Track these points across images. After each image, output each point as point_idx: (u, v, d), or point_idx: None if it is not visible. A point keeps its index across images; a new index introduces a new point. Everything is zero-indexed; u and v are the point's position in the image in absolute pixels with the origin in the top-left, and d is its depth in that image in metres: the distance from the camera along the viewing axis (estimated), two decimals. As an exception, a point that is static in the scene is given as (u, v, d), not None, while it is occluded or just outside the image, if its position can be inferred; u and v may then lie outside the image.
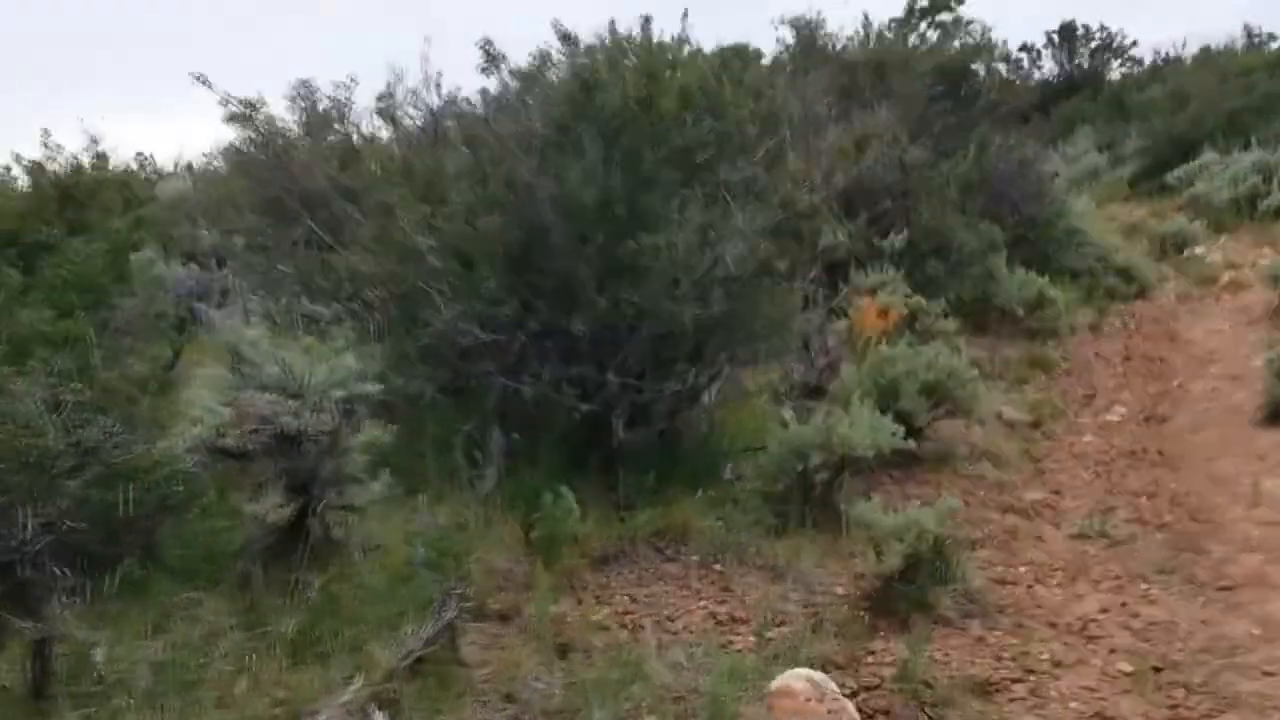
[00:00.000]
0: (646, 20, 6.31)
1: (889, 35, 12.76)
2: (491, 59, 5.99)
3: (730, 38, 11.62)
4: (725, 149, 5.57)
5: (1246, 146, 15.41)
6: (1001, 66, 12.01)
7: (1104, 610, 4.47)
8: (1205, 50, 24.43)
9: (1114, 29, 26.78)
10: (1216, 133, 16.45)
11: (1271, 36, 25.14)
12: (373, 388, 4.73)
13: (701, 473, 5.60)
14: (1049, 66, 26.96)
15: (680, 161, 5.64)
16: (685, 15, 6.28)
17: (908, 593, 4.32)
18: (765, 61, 11.13)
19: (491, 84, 6.50)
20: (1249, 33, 24.87)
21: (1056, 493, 6.12)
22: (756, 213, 5.70)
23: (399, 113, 7.39)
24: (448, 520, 4.81)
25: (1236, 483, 6.11)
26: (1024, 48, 26.84)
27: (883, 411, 5.61)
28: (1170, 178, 15.84)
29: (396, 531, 4.57)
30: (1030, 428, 7.25)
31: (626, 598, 4.53)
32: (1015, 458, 6.64)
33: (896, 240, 8.57)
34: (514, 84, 6.19)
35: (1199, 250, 12.46)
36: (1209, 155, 15.55)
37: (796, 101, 7.25)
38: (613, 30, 6.17)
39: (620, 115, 5.59)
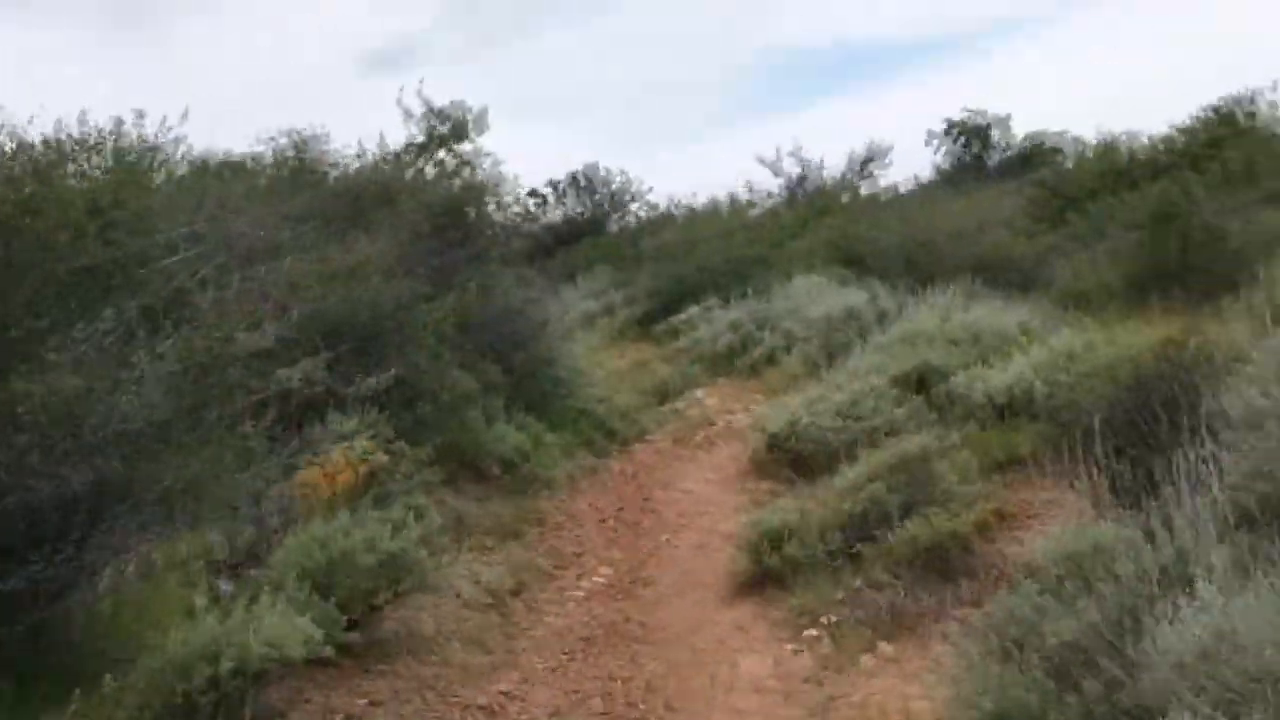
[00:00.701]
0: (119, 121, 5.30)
1: (404, 160, 12.16)
2: None
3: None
4: (130, 273, 4.48)
5: (744, 295, 16.11)
6: (512, 202, 11.63)
7: None
8: (712, 202, 26.10)
9: (632, 174, 28.05)
10: (718, 280, 17.13)
11: (769, 194, 27.31)
12: None
13: (85, 679, 4.35)
14: (571, 205, 27.69)
15: (76, 285, 4.49)
16: (164, 120, 5.34)
17: None
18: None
19: None
20: (750, 189, 26.84)
21: (527, 681, 5.39)
22: (177, 349, 4.64)
23: None
24: None
25: (717, 660, 5.68)
26: (550, 184, 27.46)
27: (323, 595, 4.65)
28: (676, 320, 16.25)
29: None
30: (512, 596, 6.56)
31: None
32: (489, 636, 5.88)
33: (381, 380, 7.71)
34: None
35: (698, 394, 12.61)
36: (710, 301, 16.11)
37: (252, 223, 6.31)
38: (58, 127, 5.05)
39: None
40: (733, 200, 25.94)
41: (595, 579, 6.97)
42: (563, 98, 52.94)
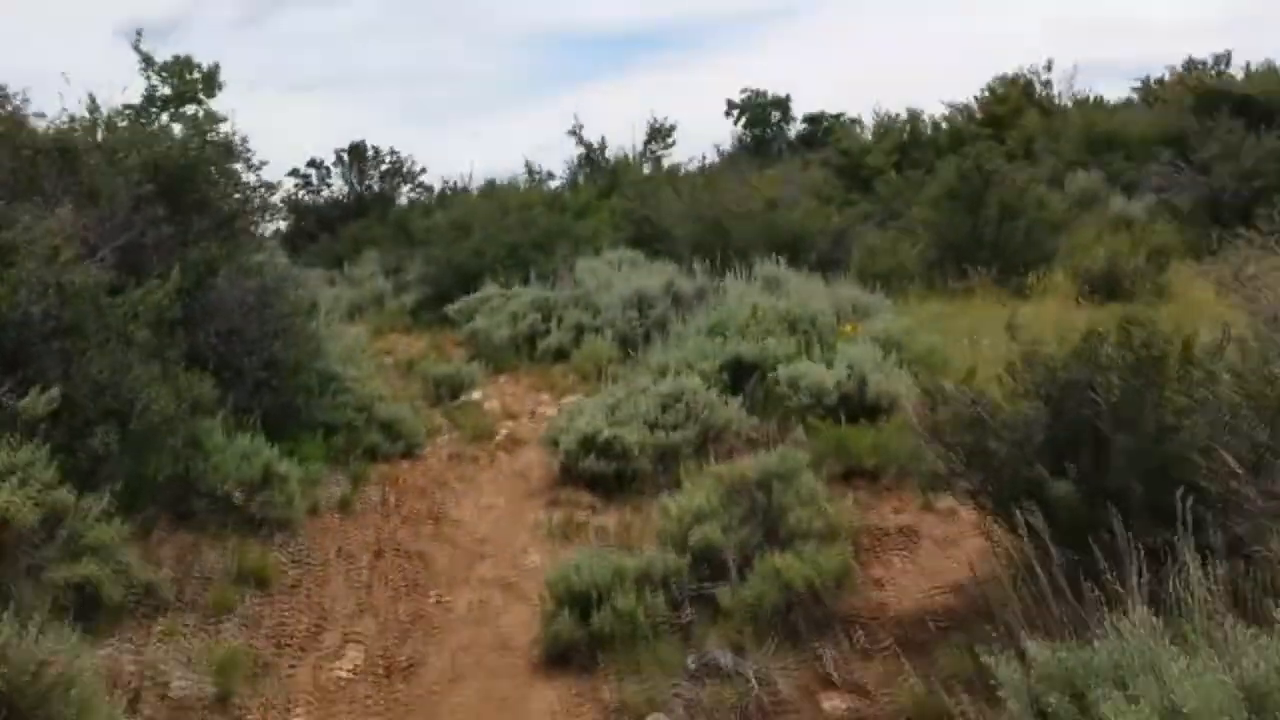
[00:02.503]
0: None
1: (121, 123, 9.76)
2: None
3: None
4: None
5: (526, 281, 14.28)
6: (257, 168, 9.37)
7: None
8: (490, 183, 24.13)
9: (404, 154, 25.78)
10: (498, 265, 15.26)
11: (550, 175, 25.54)
12: None
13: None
14: (339, 185, 25.23)
15: None
16: None
17: None
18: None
19: None
20: (530, 170, 25.02)
21: None
22: None
23: None
24: None
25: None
26: (312, 163, 24.93)
27: None
28: (451, 310, 14.26)
29: None
30: (217, 706, 4.57)
31: None
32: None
33: (42, 401, 5.55)
34: None
35: (476, 395, 10.71)
36: (490, 288, 14.20)
37: None
38: None
39: None
40: (513, 181, 24.11)
41: (338, 668, 5.04)
42: (336, 76, 49.99)
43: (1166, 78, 24.28)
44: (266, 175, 10.79)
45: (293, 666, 5.04)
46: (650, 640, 4.78)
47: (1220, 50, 23.37)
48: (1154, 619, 3.63)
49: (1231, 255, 7.87)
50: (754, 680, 4.43)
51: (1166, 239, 14.22)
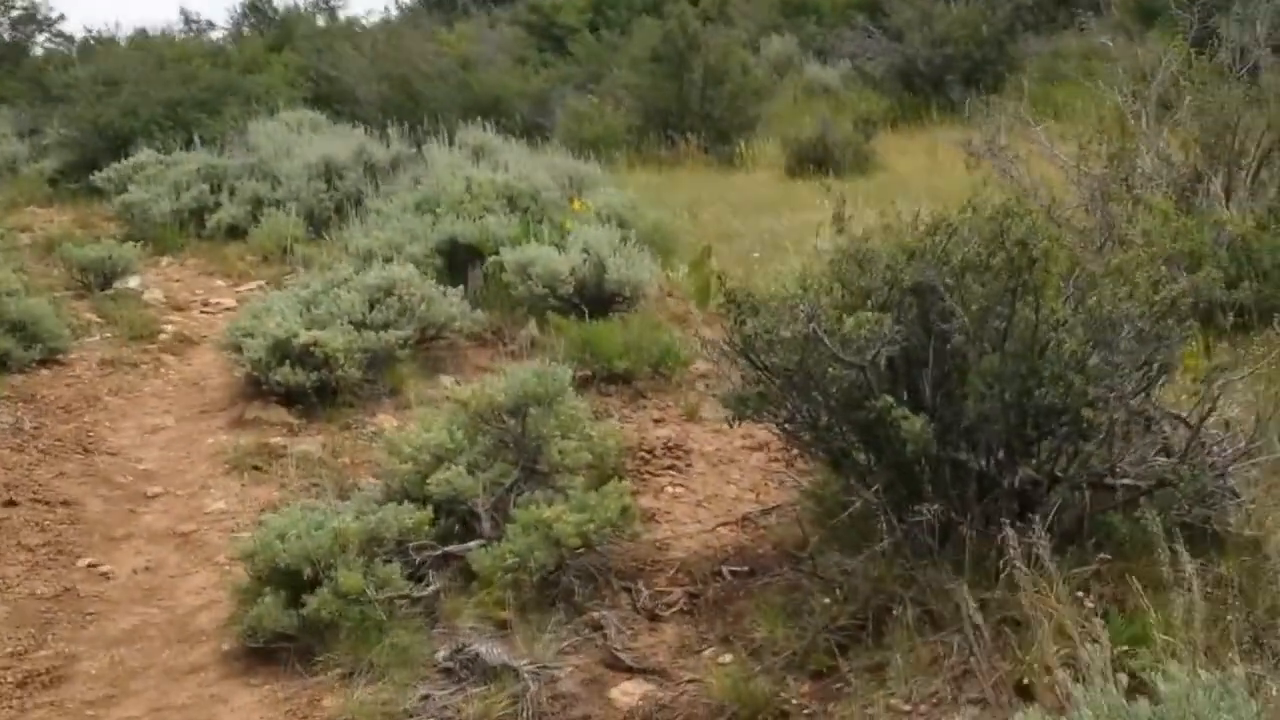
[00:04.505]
0: None
1: None
2: None
3: None
4: None
5: (189, 145, 12.19)
6: None
7: None
8: (142, 33, 21.04)
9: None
10: (154, 126, 12.99)
11: (211, 24, 22.68)
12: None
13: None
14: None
15: None
16: None
17: None
18: None
19: None
20: (187, 19, 22.07)
21: None
22: None
23: None
24: None
25: None
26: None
27: None
28: (100, 178, 11.96)
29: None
30: None
31: None
32: None
33: None
34: None
35: (134, 283, 8.84)
36: (146, 153, 11.98)
37: None
38: None
39: None
40: (167, 32, 21.16)
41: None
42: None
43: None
44: None
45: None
46: (386, 625, 3.62)
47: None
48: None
49: (983, 123, 7.29)
50: (526, 676, 3.37)
51: (872, 107, 13.90)
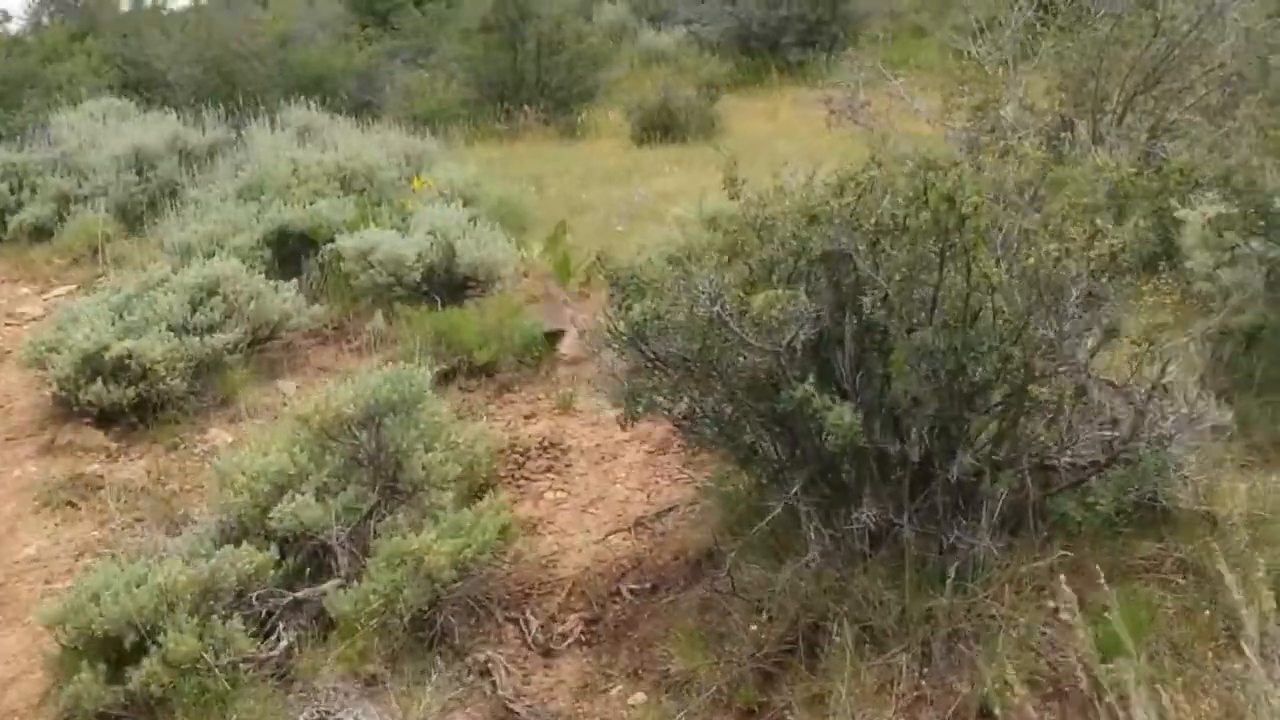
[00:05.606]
0: None
1: None
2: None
3: None
4: None
5: (-16, 140, 10.98)
6: None
7: None
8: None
9: None
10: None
11: (7, 15, 20.84)
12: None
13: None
14: None
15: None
16: None
17: None
18: None
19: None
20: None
21: None
22: None
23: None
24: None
25: None
26: None
27: None
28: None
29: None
30: None
31: None
32: None
33: None
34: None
35: (-77, 295, 7.82)
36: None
37: None
38: None
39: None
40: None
41: None
42: None
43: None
44: None
45: None
46: (230, 696, 2.99)
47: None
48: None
49: (838, 81, 6.92)
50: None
51: (713, 72, 13.49)
